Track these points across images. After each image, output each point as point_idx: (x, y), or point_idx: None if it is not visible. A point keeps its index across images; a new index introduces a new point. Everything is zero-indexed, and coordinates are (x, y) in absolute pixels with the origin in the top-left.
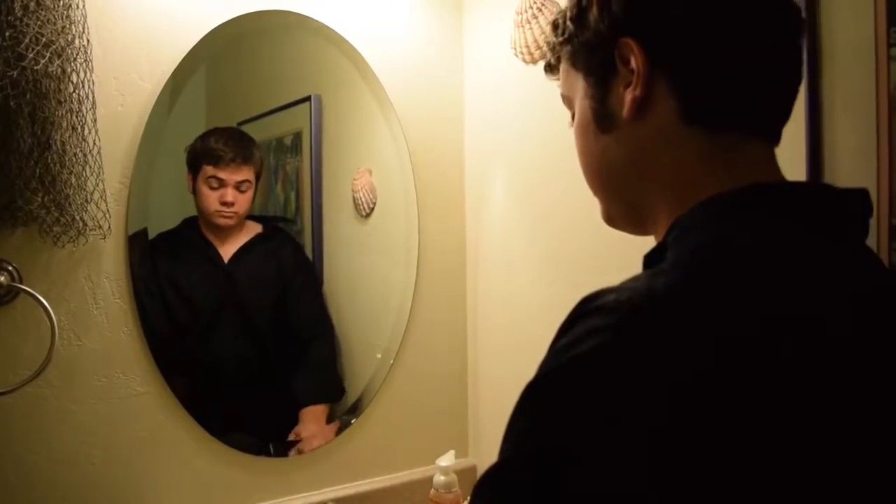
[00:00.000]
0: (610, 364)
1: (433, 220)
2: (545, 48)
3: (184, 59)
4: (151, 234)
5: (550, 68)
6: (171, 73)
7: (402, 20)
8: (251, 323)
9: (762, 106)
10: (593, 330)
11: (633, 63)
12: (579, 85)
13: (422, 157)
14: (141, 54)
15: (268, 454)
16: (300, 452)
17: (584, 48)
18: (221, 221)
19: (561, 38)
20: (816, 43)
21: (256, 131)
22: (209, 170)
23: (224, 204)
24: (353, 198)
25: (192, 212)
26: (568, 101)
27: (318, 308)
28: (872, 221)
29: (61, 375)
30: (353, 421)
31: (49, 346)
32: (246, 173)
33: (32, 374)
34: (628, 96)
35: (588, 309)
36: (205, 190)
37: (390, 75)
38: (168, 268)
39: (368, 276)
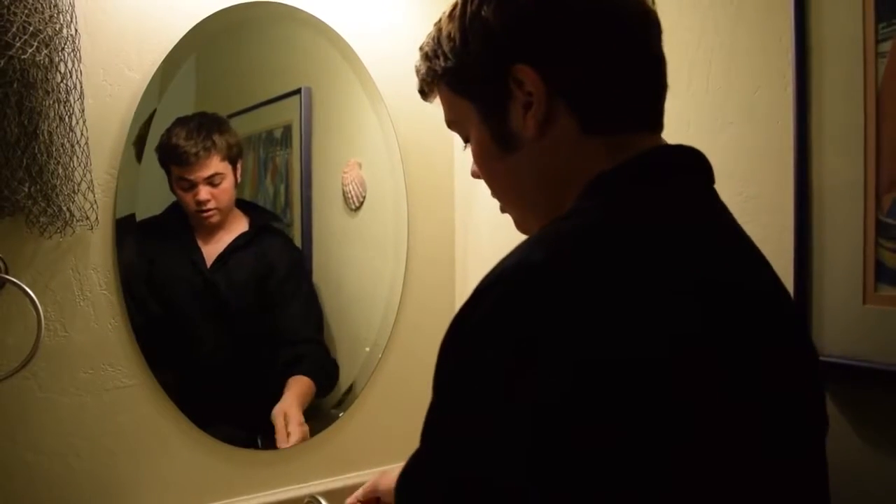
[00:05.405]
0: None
1: (423, 213)
2: None
3: (173, 50)
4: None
5: (425, 94)
6: (159, 63)
7: (393, 13)
8: (234, 324)
9: (641, 107)
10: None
11: (530, 87)
12: (469, 111)
13: (411, 151)
14: (129, 44)
15: (255, 447)
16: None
17: (469, 76)
18: (205, 221)
19: (441, 67)
20: (805, 39)
21: (246, 123)
22: (176, 171)
23: (199, 203)
24: (343, 191)
25: None
26: (457, 125)
27: (306, 316)
28: (859, 216)
29: (47, 367)
30: (341, 414)
31: (35, 338)
32: (214, 166)
33: (18, 366)
34: (531, 118)
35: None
36: (179, 192)
37: (380, 68)
38: (150, 262)
39: (358, 269)
